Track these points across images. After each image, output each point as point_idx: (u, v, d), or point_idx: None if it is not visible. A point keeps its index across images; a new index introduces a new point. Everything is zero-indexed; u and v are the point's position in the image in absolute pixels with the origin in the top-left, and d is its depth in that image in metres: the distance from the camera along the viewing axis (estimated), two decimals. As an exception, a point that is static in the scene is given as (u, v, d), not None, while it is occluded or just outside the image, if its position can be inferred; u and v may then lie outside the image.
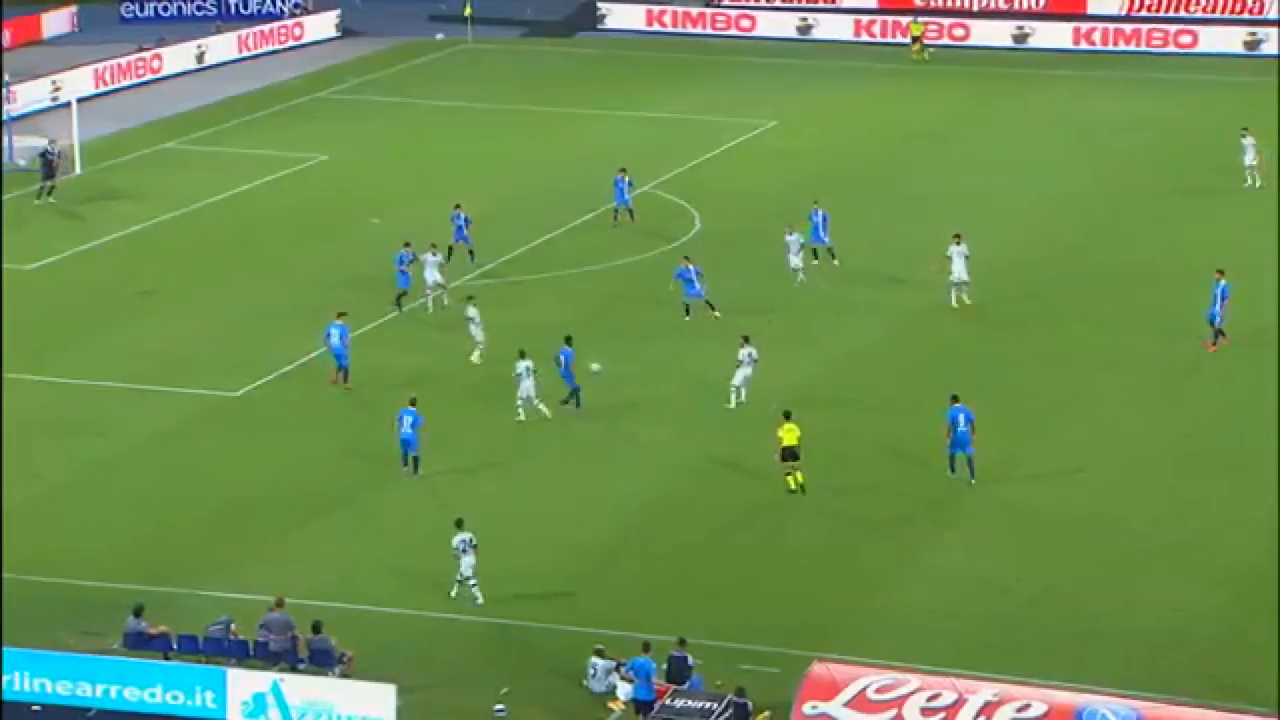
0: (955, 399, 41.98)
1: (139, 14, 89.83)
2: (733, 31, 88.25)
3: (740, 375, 45.58)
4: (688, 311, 50.97)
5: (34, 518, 40.33)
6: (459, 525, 36.78)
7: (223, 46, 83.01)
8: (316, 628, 34.05)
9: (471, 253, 54.78)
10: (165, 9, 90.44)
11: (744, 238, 58.19)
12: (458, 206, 55.27)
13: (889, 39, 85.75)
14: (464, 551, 36.47)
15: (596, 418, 45.21)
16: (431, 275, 51.69)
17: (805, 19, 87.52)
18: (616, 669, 33.52)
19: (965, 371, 46.75)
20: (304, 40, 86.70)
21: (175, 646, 34.13)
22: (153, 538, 39.52)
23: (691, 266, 51.38)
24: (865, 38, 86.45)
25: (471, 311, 48.30)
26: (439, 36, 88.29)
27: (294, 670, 33.62)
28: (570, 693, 33.76)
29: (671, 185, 64.35)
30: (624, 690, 33.26)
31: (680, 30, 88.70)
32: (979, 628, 36.13)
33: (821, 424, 43.03)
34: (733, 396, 45.56)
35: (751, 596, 37.26)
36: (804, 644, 34.61)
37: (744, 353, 45.67)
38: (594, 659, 33.83)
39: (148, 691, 33.16)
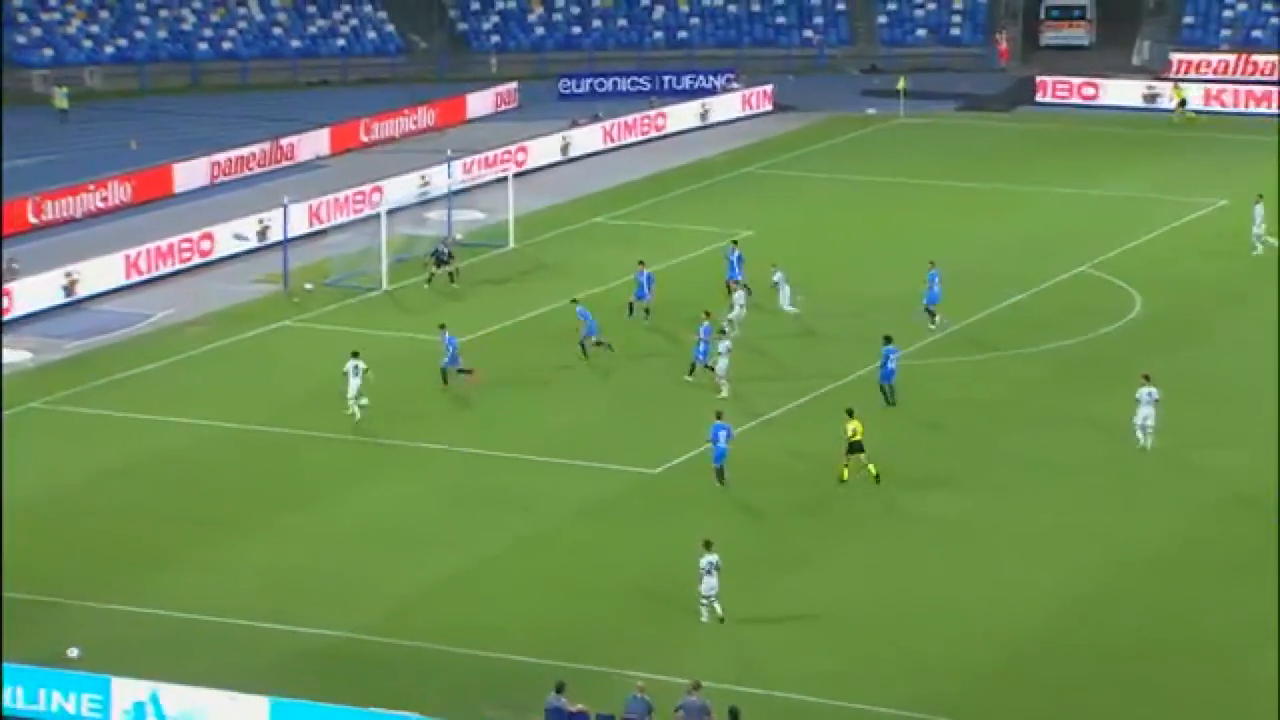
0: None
1: (575, 90, 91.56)
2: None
3: (1141, 414, 46.23)
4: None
5: (462, 589, 40.69)
6: (708, 546, 38.21)
7: (656, 121, 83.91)
8: (734, 714, 33.34)
9: (931, 313, 55.28)
10: (601, 85, 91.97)
11: (1185, 319, 56.72)
12: (932, 264, 55.89)
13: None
14: (709, 572, 38.20)
15: (1023, 507, 44.09)
16: None
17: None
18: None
19: None
20: (737, 115, 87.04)
21: (593, 726, 33.96)
22: (575, 614, 39.43)
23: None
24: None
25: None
26: (871, 111, 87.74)
27: (710, 756, 33.10)
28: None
29: (1111, 265, 62.50)
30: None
31: (1131, 105, 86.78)
32: None
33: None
34: (1139, 435, 46.11)
35: (1176, 702, 35.48)
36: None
37: (1144, 392, 46.35)
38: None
39: (564, 769, 33.06)
